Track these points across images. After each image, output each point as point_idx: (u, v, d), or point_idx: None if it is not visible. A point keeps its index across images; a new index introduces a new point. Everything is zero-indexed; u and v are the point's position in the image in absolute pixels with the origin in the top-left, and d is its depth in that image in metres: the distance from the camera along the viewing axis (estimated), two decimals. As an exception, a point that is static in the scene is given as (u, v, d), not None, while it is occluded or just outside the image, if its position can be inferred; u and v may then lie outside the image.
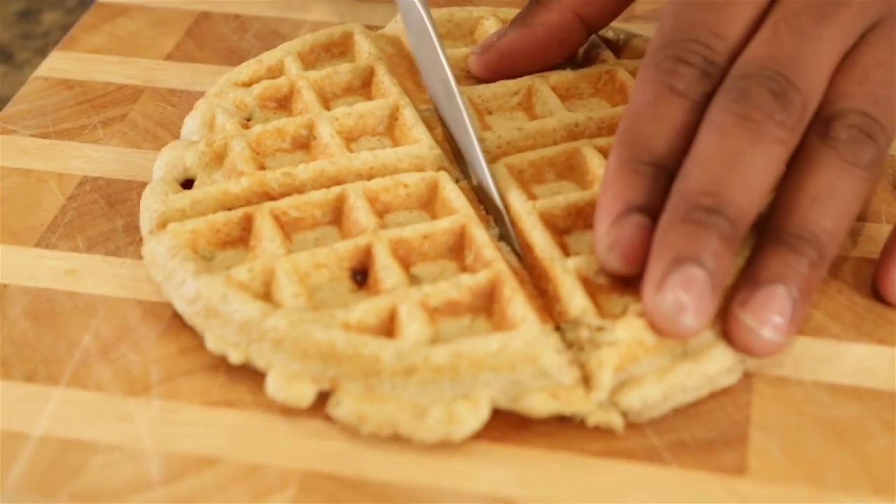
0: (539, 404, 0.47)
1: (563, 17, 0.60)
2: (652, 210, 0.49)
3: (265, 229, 0.53)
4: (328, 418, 0.48)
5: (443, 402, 0.47)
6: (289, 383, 0.48)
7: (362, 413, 0.47)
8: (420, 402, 0.47)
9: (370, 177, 0.57)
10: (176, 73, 0.67)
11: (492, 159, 0.58)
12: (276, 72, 0.63)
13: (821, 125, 0.50)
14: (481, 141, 0.58)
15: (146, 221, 0.56)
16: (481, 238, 0.52)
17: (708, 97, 0.50)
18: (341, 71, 0.62)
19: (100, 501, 0.45)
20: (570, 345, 0.50)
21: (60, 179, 0.60)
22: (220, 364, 0.51)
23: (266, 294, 0.51)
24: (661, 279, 0.47)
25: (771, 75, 0.48)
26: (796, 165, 0.50)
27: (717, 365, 0.49)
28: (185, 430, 0.48)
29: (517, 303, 0.49)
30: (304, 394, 0.48)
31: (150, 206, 0.56)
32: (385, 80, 0.61)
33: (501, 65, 0.61)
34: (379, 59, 0.62)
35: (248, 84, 0.62)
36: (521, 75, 0.62)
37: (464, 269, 0.53)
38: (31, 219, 0.58)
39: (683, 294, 0.46)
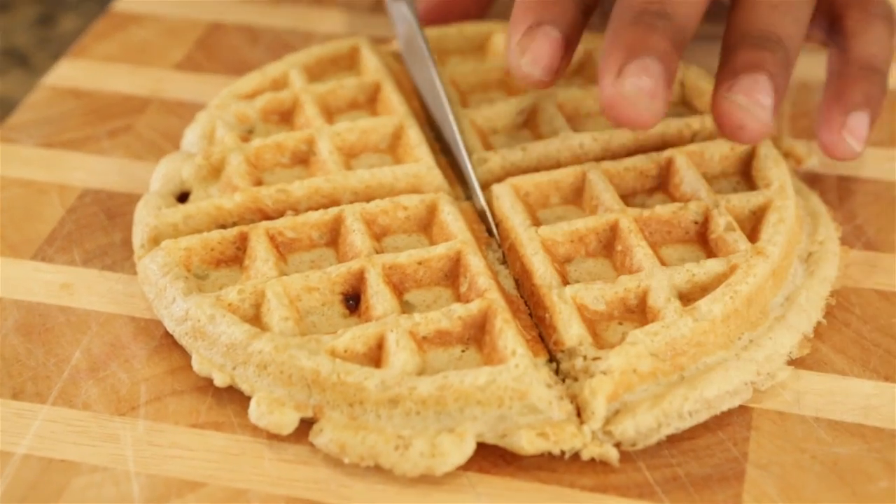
0: (527, 444, 0.46)
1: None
2: (562, 26, 0.52)
3: (259, 249, 0.53)
4: (313, 445, 0.47)
5: (427, 434, 0.46)
6: (271, 410, 0.47)
7: (344, 443, 0.47)
8: (404, 434, 0.46)
9: (367, 195, 0.56)
10: (184, 83, 0.67)
11: (495, 179, 0.57)
12: (280, 84, 0.62)
13: None
14: (484, 161, 0.57)
15: (138, 235, 0.55)
16: (476, 266, 0.51)
17: None
18: (346, 85, 0.61)
19: (81, 524, 0.45)
20: (565, 374, 0.49)
21: (62, 191, 0.60)
22: (209, 385, 0.50)
23: (256, 316, 0.51)
24: (620, 69, 0.49)
25: None
26: None
27: (715, 389, 0.49)
28: (170, 452, 0.48)
29: (507, 335, 0.48)
30: (287, 421, 0.47)
31: (142, 220, 0.56)
32: (392, 97, 0.60)
33: (439, 9, 0.64)
34: (386, 74, 0.61)
35: (251, 96, 0.61)
36: (458, 19, 0.64)
37: (458, 297, 0.52)
38: (30, 231, 0.58)
39: (642, 79, 0.48)
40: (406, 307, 0.52)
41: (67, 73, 0.68)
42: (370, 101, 0.62)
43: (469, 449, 0.46)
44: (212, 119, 0.60)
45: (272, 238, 0.53)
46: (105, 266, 0.56)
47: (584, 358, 0.48)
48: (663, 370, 0.49)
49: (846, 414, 0.49)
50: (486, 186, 0.57)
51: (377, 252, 0.53)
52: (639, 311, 0.51)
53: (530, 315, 0.52)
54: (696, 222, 0.54)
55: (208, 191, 0.57)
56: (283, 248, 0.54)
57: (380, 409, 0.47)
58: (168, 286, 0.52)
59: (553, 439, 0.47)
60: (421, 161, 0.57)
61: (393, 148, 0.59)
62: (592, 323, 0.51)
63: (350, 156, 0.59)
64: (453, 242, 0.52)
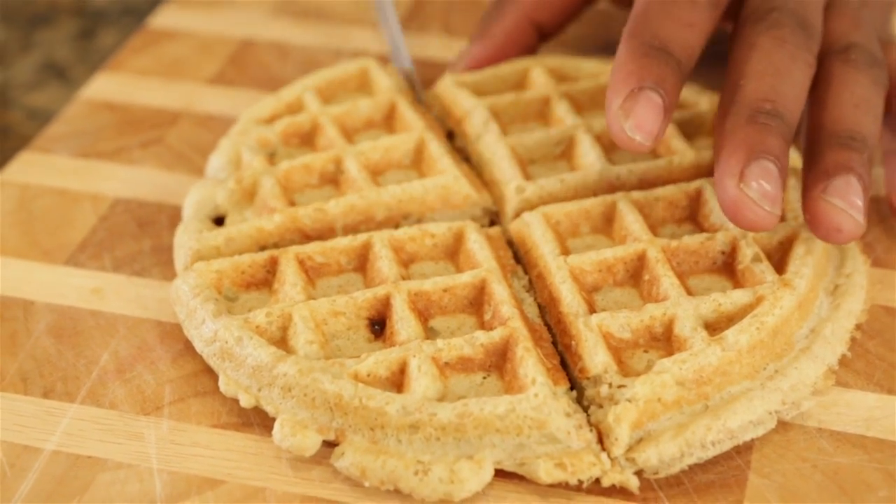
0: (544, 474, 0.48)
1: (517, 24, 0.65)
2: (664, 90, 0.53)
3: (289, 273, 0.55)
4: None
5: (446, 461, 0.48)
6: (294, 432, 0.49)
7: (364, 467, 0.48)
8: (423, 460, 0.48)
9: (399, 209, 0.58)
10: (215, 98, 0.69)
11: (531, 208, 0.59)
12: (295, 107, 0.65)
13: (841, 53, 0.57)
14: (522, 190, 0.59)
15: (181, 259, 0.57)
16: (500, 294, 0.53)
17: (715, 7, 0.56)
18: (362, 105, 0.64)
19: (105, 518, 0.47)
20: (589, 402, 0.51)
21: (94, 200, 0.62)
22: (232, 389, 0.52)
23: (283, 339, 0.53)
24: (742, 171, 0.51)
25: (794, 9, 0.56)
26: (825, 84, 0.57)
27: (739, 419, 0.50)
28: (191, 450, 0.50)
29: (528, 363, 0.50)
30: (309, 443, 0.49)
31: (184, 244, 0.58)
32: (408, 114, 0.62)
33: (487, 63, 0.66)
34: (398, 93, 0.63)
35: (269, 121, 0.64)
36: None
37: (482, 324, 0.54)
38: (63, 238, 0.60)
39: (765, 183, 0.51)
40: (430, 333, 0.53)
41: (103, 86, 0.70)
42: (386, 119, 0.64)
43: (487, 476, 0.48)
44: (235, 145, 0.62)
45: (302, 262, 0.55)
46: (134, 272, 0.58)
47: (610, 385, 0.50)
48: (688, 399, 0.50)
49: (848, 425, 0.51)
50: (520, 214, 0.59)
51: (404, 278, 0.54)
52: (664, 340, 0.53)
53: (554, 343, 0.53)
54: (723, 252, 0.56)
55: (243, 214, 0.59)
56: (312, 273, 0.56)
57: (400, 433, 0.49)
58: (198, 308, 0.54)
59: (570, 470, 0.48)
60: (447, 172, 0.59)
61: (416, 163, 0.61)
62: (618, 351, 0.52)
63: (376, 173, 0.61)
64: (478, 271, 0.54)
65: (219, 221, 0.59)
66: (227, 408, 0.51)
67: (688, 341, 0.51)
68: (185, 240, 0.57)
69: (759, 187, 0.51)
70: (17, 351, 0.54)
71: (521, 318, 0.52)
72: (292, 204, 0.59)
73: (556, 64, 0.67)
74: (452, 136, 0.64)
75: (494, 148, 0.61)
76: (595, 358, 0.51)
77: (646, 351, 0.52)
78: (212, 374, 0.53)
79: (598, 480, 0.48)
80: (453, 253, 0.57)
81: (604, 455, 0.49)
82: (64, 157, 0.65)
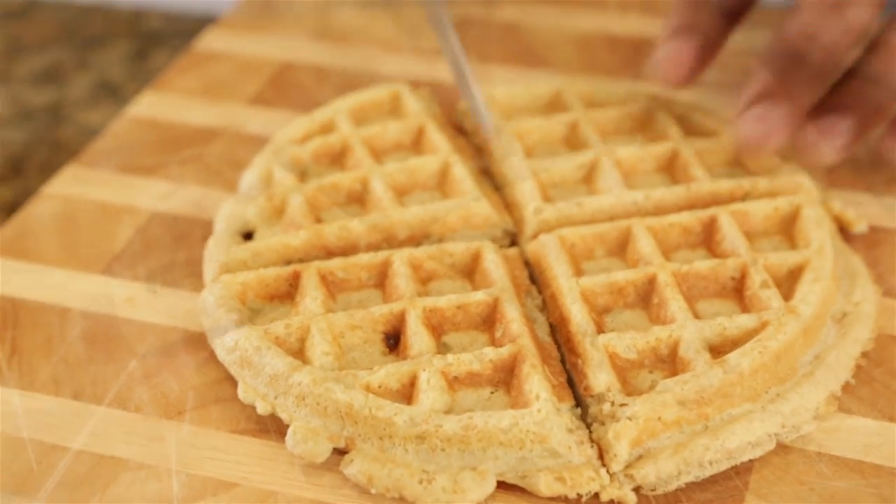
0: (544, 487, 0.50)
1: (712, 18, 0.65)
2: (702, 32, 0.61)
3: (309, 287, 0.57)
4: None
5: (450, 471, 0.50)
6: (306, 439, 0.52)
7: (371, 474, 0.50)
8: (428, 469, 0.50)
9: (421, 229, 0.61)
10: (254, 118, 0.72)
11: (549, 229, 0.61)
12: (327, 128, 0.68)
13: None
14: (540, 212, 0.61)
15: (209, 271, 0.60)
16: (511, 313, 0.55)
17: None
18: (391, 128, 0.66)
19: (124, 515, 0.50)
20: (592, 419, 0.52)
21: (132, 213, 0.65)
22: (253, 397, 0.54)
23: (300, 350, 0.55)
24: (745, 110, 0.58)
25: None
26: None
27: (737, 439, 0.52)
28: (209, 454, 0.52)
29: (534, 380, 0.52)
30: (320, 450, 0.51)
31: (213, 257, 0.61)
32: (435, 138, 0.65)
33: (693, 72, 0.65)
34: (428, 117, 0.66)
35: (302, 141, 0.66)
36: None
37: (493, 341, 0.56)
38: (101, 248, 0.63)
39: (762, 125, 0.57)
40: (442, 348, 0.55)
41: (149, 104, 0.73)
42: (415, 143, 0.67)
43: (490, 487, 0.50)
44: (268, 163, 0.65)
45: (323, 277, 0.58)
46: (166, 283, 0.61)
47: (612, 403, 0.52)
48: (688, 419, 0.52)
49: (848, 450, 0.52)
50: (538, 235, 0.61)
51: (420, 295, 0.56)
52: (669, 361, 0.54)
53: (562, 361, 0.55)
54: (733, 278, 0.57)
55: (272, 229, 0.62)
56: (333, 287, 0.58)
57: (407, 443, 0.51)
58: (222, 317, 0.56)
59: (570, 483, 0.50)
60: (468, 194, 0.60)
61: (441, 185, 0.64)
62: (623, 370, 0.54)
63: (401, 194, 0.63)
64: (492, 289, 0.56)
65: (248, 236, 0.62)
66: (246, 414, 0.54)
67: (691, 363, 0.53)
68: (215, 253, 0.60)
69: (754, 128, 0.57)
70: (52, 355, 0.57)
71: (531, 336, 0.54)
72: (319, 221, 0.61)
73: (588, 89, 0.69)
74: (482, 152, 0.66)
75: (518, 169, 0.63)
76: (599, 376, 0.52)
77: (650, 371, 0.54)
78: (233, 381, 0.55)
79: (597, 495, 0.50)
80: (470, 272, 0.59)
81: (603, 471, 0.50)
82: (106, 172, 0.68)
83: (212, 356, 0.56)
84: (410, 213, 0.60)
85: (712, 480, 0.51)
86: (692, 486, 0.50)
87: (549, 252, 0.59)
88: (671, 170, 0.64)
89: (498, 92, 0.68)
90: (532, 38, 0.78)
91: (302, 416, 0.52)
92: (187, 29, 0.88)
